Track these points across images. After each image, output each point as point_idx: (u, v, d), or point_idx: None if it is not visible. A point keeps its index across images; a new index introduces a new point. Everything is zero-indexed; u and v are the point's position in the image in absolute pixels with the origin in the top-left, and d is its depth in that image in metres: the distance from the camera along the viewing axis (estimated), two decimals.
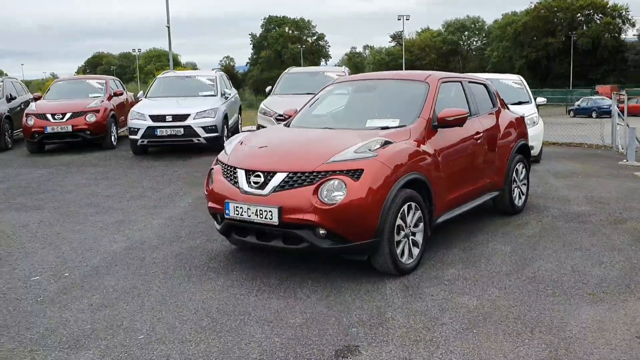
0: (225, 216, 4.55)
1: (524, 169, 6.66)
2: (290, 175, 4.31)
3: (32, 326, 3.81)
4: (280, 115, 10.13)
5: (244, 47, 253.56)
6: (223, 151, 5.12)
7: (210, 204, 4.81)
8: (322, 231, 4.20)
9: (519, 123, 6.68)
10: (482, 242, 5.53)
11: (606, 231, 5.86)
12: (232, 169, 4.69)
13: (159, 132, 11.01)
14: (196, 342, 3.52)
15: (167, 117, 11.01)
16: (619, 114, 13.00)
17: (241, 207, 4.41)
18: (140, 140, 11.18)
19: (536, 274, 4.60)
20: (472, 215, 6.13)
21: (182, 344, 3.51)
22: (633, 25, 72.59)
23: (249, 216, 4.37)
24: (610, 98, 49.07)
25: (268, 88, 12.14)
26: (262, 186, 4.38)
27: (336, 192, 4.16)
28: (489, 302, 4.05)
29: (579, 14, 73.82)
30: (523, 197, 6.70)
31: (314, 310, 3.96)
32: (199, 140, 11.18)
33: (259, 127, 10.47)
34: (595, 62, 70.87)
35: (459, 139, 5.33)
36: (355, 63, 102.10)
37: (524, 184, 6.71)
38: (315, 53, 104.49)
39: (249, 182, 4.48)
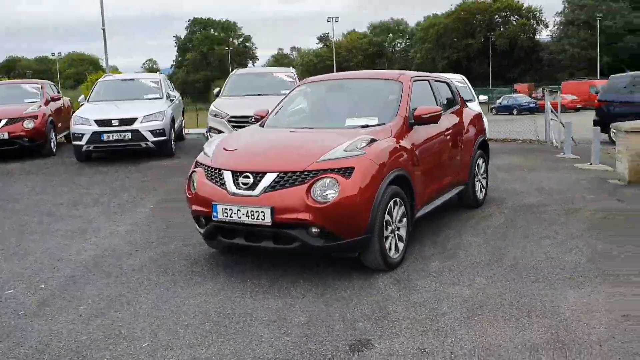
0: (213, 218, 4.49)
1: (483, 164, 6.94)
2: (281, 175, 4.32)
3: (22, 341, 3.63)
4: (233, 117, 10.05)
5: (167, 50, 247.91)
6: (202, 154, 5.04)
7: (195, 207, 4.72)
8: (314, 230, 4.23)
9: (478, 119, 6.96)
10: (453, 235, 5.72)
11: (563, 220, 6.19)
12: (216, 171, 4.63)
13: (105, 137, 10.65)
14: (205, 346, 3.47)
15: (113, 121, 10.67)
16: (552, 110, 13.72)
17: (230, 209, 4.37)
18: (86, 146, 10.77)
19: (515, 263, 4.81)
20: (436, 212, 6.32)
21: (191, 348, 3.45)
22: (546, 26, 76.82)
23: (239, 217, 4.33)
24: (529, 96, 51.16)
25: (216, 90, 11.98)
26: (252, 187, 4.36)
27: (329, 191, 4.20)
28: (479, 290, 4.21)
29: (496, 16, 77.26)
30: (484, 191, 6.99)
31: (315, 308, 3.98)
32: (146, 144, 10.91)
33: (211, 129, 10.32)
34: (513, 62, 74.40)
35: (432, 135, 5.50)
36: (282, 65, 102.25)
37: (484, 178, 7.00)
38: (242, 55, 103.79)
39: (237, 184, 4.44)
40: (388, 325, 3.66)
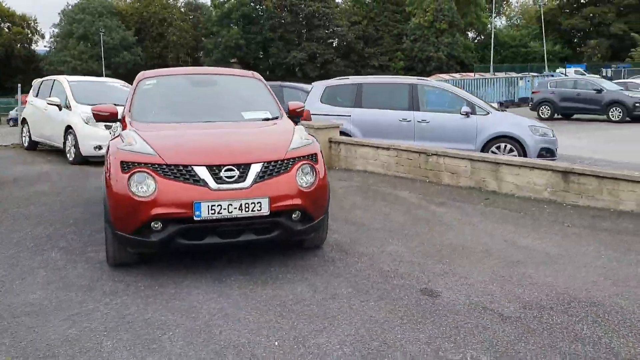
0: (195, 218, 4.23)
1: None
2: (265, 164, 4.47)
3: None
4: None
5: None
6: (123, 154, 4.44)
7: (159, 211, 4.19)
8: (295, 215, 4.57)
9: None
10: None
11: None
12: (182, 168, 4.32)
13: None
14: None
15: None
16: None
17: (219, 205, 4.24)
18: None
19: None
20: None
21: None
22: (43, 36, 75.00)
23: (230, 212, 4.25)
24: None
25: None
26: (239, 180, 4.36)
27: (308, 176, 4.64)
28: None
29: None
30: None
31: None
32: None
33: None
34: (11, 71, 69.94)
35: None
36: None
37: None
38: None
39: (217, 179, 4.33)
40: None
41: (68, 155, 10.42)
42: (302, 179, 4.58)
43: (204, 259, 4.85)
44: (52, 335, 3.52)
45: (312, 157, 4.76)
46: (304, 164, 4.64)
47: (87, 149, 10.00)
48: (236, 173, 4.35)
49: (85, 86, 11.26)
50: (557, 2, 68.03)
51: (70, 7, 71.69)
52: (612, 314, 3.79)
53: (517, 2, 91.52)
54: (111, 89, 11.60)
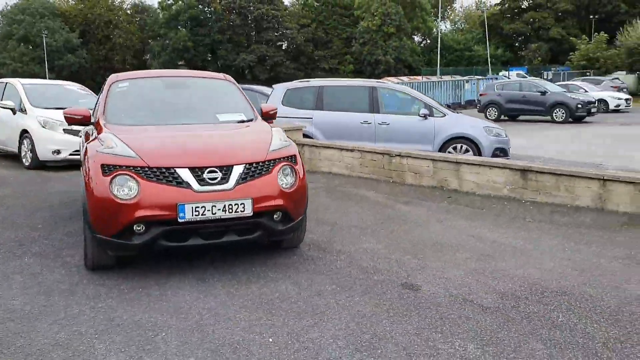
0: (179, 220, 4.25)
1: None
2: (247, 166, 4.53)
3: None
4: None
5: None
6: (103, 157, 4.42)
7: (142, 213, 4.17)
8: (276, 215, 4.64)
9: None
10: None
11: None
12: (164, 170, 4.32)
13: None
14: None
15: None
16: None
17: (203, 206, 4.27)
18: None
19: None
20: None
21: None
22: None
23: (214, 214, 4.29)
24: None
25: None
26: (221, 181, 4.40)
27: (288, 177, 4.72)
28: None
29: None
30: None
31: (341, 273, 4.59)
32: None
33: None
34: None
35: None
36: None
37: None
38: None
39: (200, 180, 4.36)
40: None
41: (24, 160, 10.13)
42: (283, 180, 4.66)
43: (186, 260, 4.87)
44: (42, 339, 3.48)
45: (292, 159, 4.85)
46: (284, 165, 4.72)
47: (44, 154, 9.75)
48: (219, 175, 4.39)
49: (41, 89, 10.96)
50: (499, 7, 70.19)
51: (8, 7, 69.23)
52: (582, 301, 4.04)
53: (461, 7, 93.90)
54: (69, 92, 11.33)
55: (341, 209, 6.98)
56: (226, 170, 4.43)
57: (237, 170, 4.45)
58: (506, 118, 23.72)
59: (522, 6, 68.91)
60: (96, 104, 6.48)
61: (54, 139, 9.68)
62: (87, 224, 4.50)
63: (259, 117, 5.67)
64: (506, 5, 69.26)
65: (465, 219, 6.48)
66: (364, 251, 5.21)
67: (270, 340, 3.46)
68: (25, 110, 10.15)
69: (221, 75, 6.28)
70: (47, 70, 62.83)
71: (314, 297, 4.13)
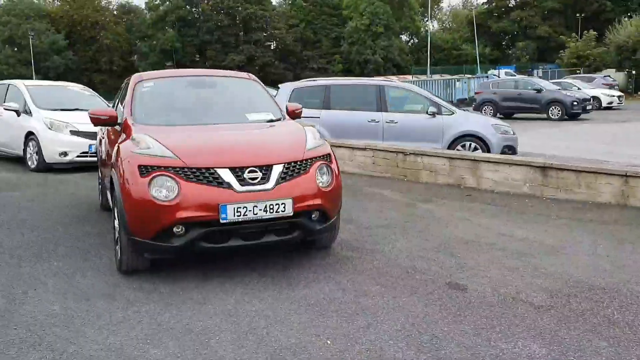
0: (222, 221, 4.15)
1: None
2: (286, 165, 4.45)
3: None
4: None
5: None
6: (140, 158, 4.31)
7: (183, 215, 4.07)
8: (313, 215, 4.57)
9: None
10: None
11: None
12: (204, 170, 4.23)
13: None
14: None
15: None
16: None
17: (245, 207, 4.18)
18: None
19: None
20: None
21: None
22: None
23: (255, 214, 4.20)
24: None
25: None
26: (262, 181, 4.32)
27: (325, 176, 4.66)
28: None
29: None
30: None
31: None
32: None
33: None
34: None
35: None
36: None
37: None
38: None
39: (240, 180, 4.28)
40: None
41: (29, 162, 9.95)
42: (321, 179, 4.59)
43: (214, 263, 4.76)
44: (93, 345, 3.38)
45: (327, 157, 4.78)
46: (321, 164, 4.66)
47: (51, 156, 9.59)
48: (259, 175, 4.31)
49: (45, 91, 10.79)
50: (487, 6, 70.57)
51: None
52: (632, 297, 4.00)
53: (449, 6, 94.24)
54: (74, 94, 11.17)
55: (360, 207, 6.91)
56: (266, 169, 4.34)
57: (277, 170, 4.37)
58: (501, 116, 23.75)
59: (509, 5, 69.30)
60: (115, 104, 6.37)
61: (60, 141, 9.53)
62: (122, 227, 4.40)
63: (287, 117, 5.58)
64: (493, 4, 69.65)
65: (490, 217, 6.45)
66: (399, 250, 5.14)
67: (329, 342, 3.38)
68: (30, 112, 9.97)
69: (245, 74, 6.20)
70: (33, 72, 62.06)
71: (360, 297, 4.06)
